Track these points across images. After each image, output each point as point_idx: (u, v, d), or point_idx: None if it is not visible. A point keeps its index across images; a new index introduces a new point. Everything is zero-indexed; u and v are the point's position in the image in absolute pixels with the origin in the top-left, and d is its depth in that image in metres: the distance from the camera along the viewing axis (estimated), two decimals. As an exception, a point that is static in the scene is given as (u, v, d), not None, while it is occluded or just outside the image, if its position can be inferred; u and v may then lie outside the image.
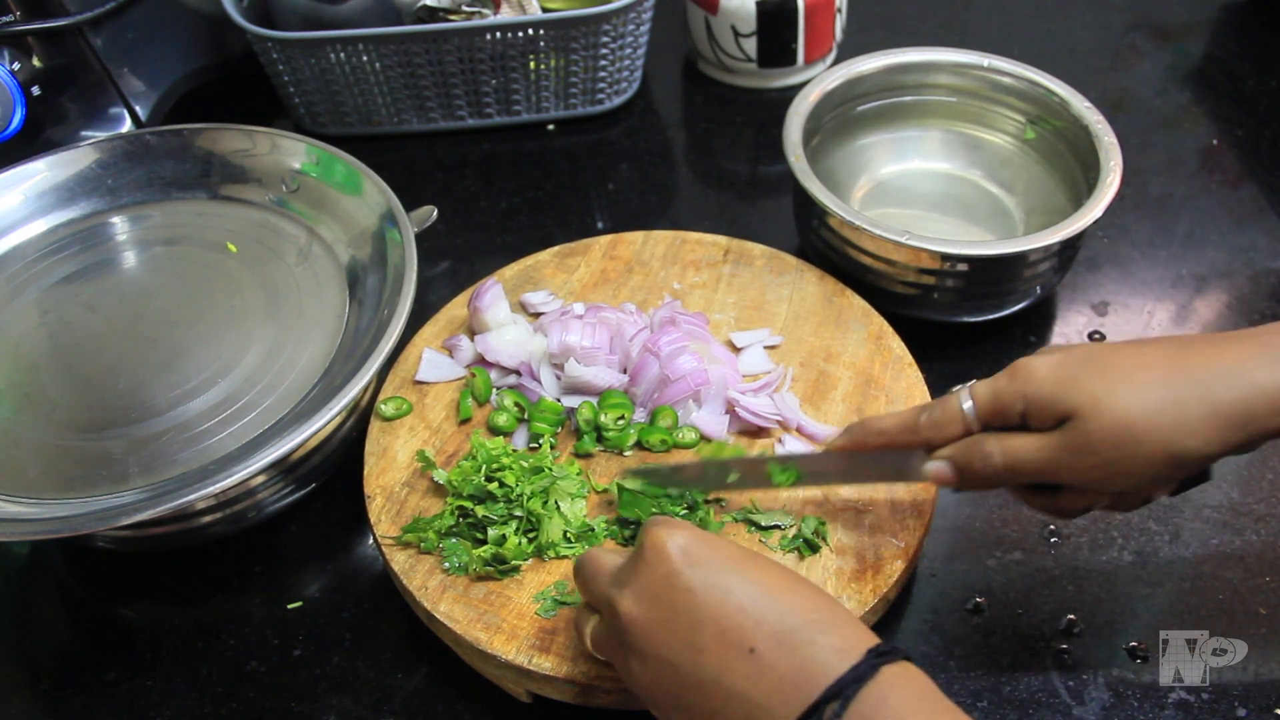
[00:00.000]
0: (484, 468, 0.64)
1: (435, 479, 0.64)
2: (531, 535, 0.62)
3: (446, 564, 0.61)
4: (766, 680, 0.44)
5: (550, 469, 0.64)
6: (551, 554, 0.61)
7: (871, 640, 0.45)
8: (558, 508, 0.63)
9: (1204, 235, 0.88)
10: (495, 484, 0.63)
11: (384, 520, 0.63)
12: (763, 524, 0.62)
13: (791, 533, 0.61)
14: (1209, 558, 0.66)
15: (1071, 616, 0.64)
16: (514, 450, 0.66)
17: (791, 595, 0.46)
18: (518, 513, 0.62)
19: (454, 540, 0.62)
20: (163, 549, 0.70)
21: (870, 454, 0.59)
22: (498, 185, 0.97)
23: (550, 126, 1.02)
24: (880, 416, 0.58)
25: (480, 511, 0.62)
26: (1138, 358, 0.50)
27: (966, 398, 0.54)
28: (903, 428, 0.56)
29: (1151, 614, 0.64)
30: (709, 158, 1.02)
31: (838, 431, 0.61)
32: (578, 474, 0.65)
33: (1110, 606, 0.64)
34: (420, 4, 0.95)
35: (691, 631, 0.46)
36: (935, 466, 0.55)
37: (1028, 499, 0.56)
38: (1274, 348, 0.48)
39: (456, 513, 0.63)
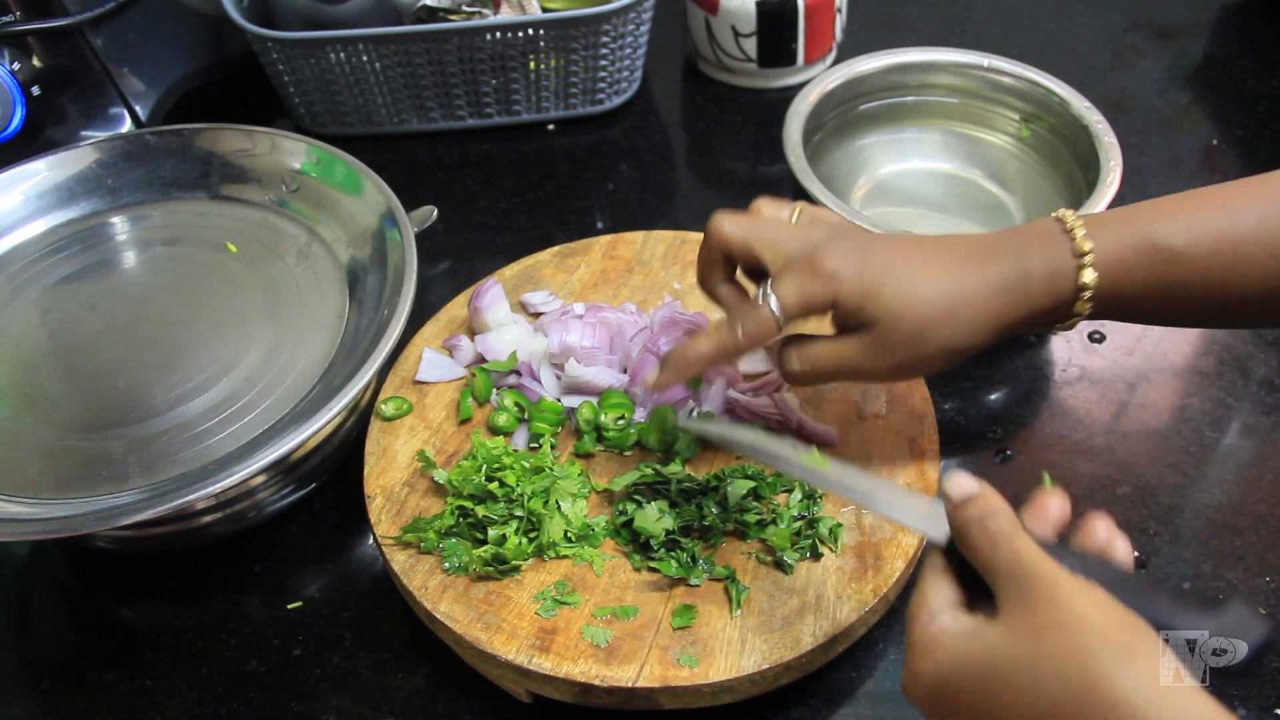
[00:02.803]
0: (484, 467, 0.64)
1: (435, 479, 0.64)
2: (532, 535, 0.62)
3: (446, 564, 0.61)
4: None
5: (551, 469, 0.64)
6: (552, 554, 0.61)
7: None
8: (558, 508, 0.63)
9: (1204, 235, 0.88)
10: (496, 484, 0.63)
11: (384, 520, 0.63)
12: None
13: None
14: (1209, 557, 0.66)
15: (1071, 616, 0.64)
16: (514, 450, 0.66)
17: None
18: (518, 513, 0.62)
19: (454, 540, 0.62)
20: (163, 549, 0.70)
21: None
22: (498, 185, 0.97)
23: (550, 126, 1.02)
24: (694, 341, 0.59)
25: (480, 511, 0.62)
26: (926, 270, 0.55)
27: (774, 302, 0.56)
28: (720, 347, 0.58)
29: (1151, 614, 0.64)
30: (709, 158, 1.02)
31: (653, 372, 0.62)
32: (579, 474, 0.65)
33: (1110, 606, 0.64)
34: (420, 4, 0.95)
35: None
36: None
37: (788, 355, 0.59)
38: (1024, 259, 0.55)
39: (457, 512, 0.63)
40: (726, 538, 0.62)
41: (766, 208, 0.61)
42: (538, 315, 0.76)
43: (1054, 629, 0.39)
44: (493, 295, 0.73)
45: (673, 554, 0.60)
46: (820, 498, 0.63)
